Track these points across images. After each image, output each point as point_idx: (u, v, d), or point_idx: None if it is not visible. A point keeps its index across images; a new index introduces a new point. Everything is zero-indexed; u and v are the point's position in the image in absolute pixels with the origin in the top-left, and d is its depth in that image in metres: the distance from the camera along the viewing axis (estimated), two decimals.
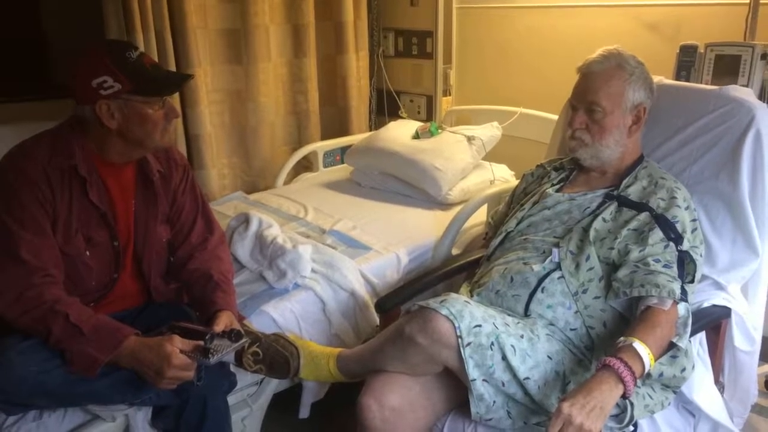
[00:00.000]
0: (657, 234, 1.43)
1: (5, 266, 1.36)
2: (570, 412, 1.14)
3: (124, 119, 1.42)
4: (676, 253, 1.42)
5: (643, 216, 1.48)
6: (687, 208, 1.49)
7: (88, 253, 1.48)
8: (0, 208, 1.38)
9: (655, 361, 1.27)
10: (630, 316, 1.41)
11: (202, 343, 1.37)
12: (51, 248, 1.40)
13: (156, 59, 2.52)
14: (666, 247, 1.42)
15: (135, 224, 1.56)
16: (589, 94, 1.55)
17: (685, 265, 1.41)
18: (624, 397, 1.21)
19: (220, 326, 1.44)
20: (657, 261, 1.39)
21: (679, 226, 1.45)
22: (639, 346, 1.24)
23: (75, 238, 1.45)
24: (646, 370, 1.25)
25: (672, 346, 1.34)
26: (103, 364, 1.33)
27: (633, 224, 1.48)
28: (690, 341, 1.43)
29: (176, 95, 2.62)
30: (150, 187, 1.57)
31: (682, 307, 1.36)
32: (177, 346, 1.34)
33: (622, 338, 1.28)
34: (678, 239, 1.43)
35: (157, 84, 1.44)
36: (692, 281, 1.43)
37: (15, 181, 1.38)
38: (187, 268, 1.62)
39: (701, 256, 1.49)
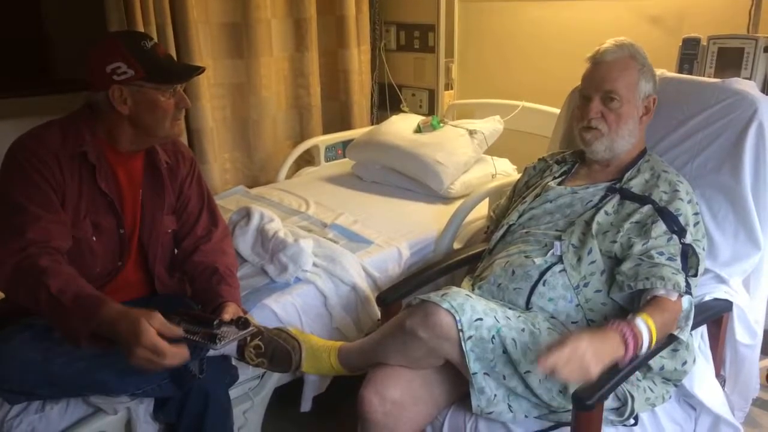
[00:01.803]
0: (660, 227, 1.43)
1: (8, 239, 1.35)
2: (585, 349, 1.16)
3: (135, 105, 1.44)
4: (680, 245, 1.41)
5: (646, 209, 1.48)
6: (689, 201, 1.49)
7: (94, 238, 1.49)
8: (10, 187, 1.40)
9: (655, 343, 1.28)
10: (631, 309, 1.41)
11: (182, 331, 1.32)
12: (59, 222, 1.41)
13: None
14: (669, 239, 1.42)
15: (142, 214, 1.58)
16: (607, 83, 1.53)
17: (689, 259, 1.41)
18: (617, 365, 1.23)
19: (228, 316, 1.45)
20: (661, 254, 1.39)
21: (682, 219, 1.44)
22: (642, 321, 1.26)
23: (83, 223, 1.47)
24: (644, 348, 1.26)
25: (673, 339, 1.34)
26: (86, 334, 1.27)
27: (635, 217, 1.47)
28: (691, 335, 1.43)
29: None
30: (158, 178, 1.59)
31: (685, 301, 1.36)
32: (155, 326, 1.25)
33: (630, 315, 1.29)
34: (681, 232, 1.43)
35: (169, 72, 1.47)
36: (695, 275, 1.42)
37: (25, 161, 1.40)
38: (192, 260, 1.63)
39: (704, 249, 1.48)
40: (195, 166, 1.70)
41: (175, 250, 1.67)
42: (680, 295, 1.35)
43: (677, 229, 1.43)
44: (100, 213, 1.49)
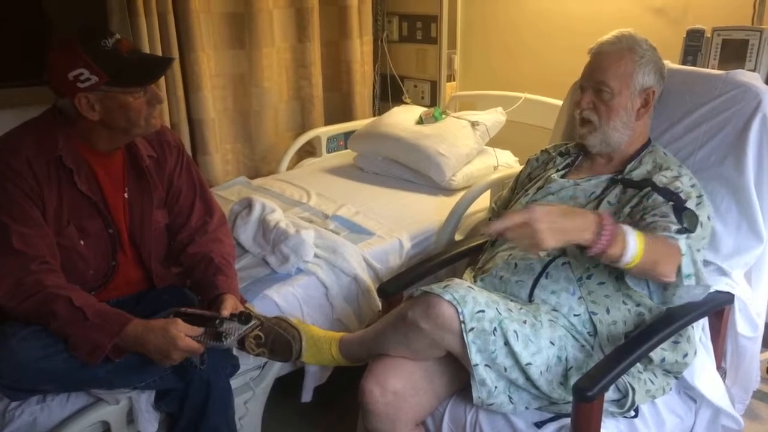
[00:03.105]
0: (657, 198, 1.41)
1: (1, 256, 1.34)
2: (539, 216, 1.14)
3: (105, 110, 1.39)
4: (673, 205, 1.38)
5: (645, 190, 1.46)
6: (693, 186, 1.47)
7: (82, 242, 1.47)
8: None
9: (640, 260, 1.22)
10: (645, 292, 1.38)
11: (203, 329, 1.38)
12: (45, 237, 1.39)
13: (159, 44, 2.52)
14: (665, 204, 1.39)
15: (129, 212, 1.55)
16: (598, 74, 1.53)
17: (684, 215, 1.35)
18: (582, 247, 1.20)
19: (227, 310, 1.44)
20: (654, 214, 1.36)
21: (683, 195, 1.41)
22: (631, 229, 1.21)
23: (67, 229, 1.44)
24: (625, 260, 1.21)
25: (679, 328, 1.31)
26: (106, 350, 1.33)
27: (635, 200, 1.46)
28: (692, 327, 1.43)
29: (179, 80, 2.62)
30: (142, 175, 1.55)
31: (682, 243, 1.29)
32: (181, 330, 1.34)
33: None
34: (680, 202, 1.39)
35: (136, 74, 1.40)
36: (693, 231, 1.35)
37: (0, 174, 1.37)
38: (187, 252, 1.61)
39: (709, 219, 1.44)
40: (183, 154, 1.65)
41: (171, 243, 1.65)
42: (675, 240, 1.29)
43: (675, 198, 1.40)
44: (84, 216, 1.47)
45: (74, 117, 1.41)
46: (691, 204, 1.40)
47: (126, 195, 1.54)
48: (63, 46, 1.36)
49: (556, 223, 1.17)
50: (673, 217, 1.35)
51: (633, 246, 1.22)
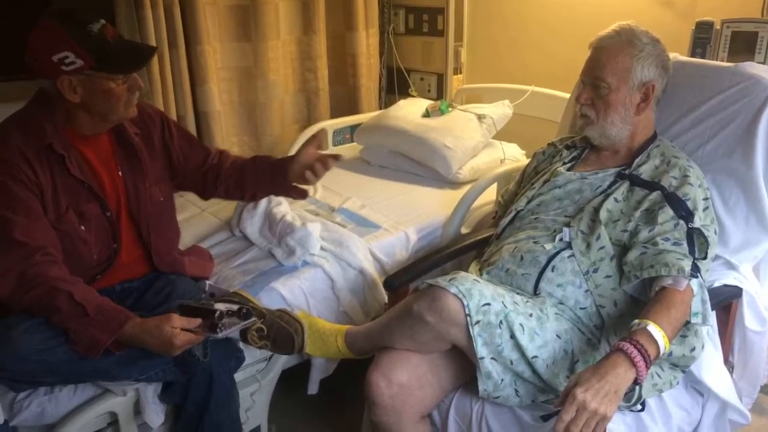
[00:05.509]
0: (667, 212, 1.41)
1: (3, 249, 1.35)
2: (584, 398, 1.11)
3: (87, 94, 1.40)
4: (686, 229, 1.39)
5: (655, 195, 1.46)
6: (700, 186, 1.47)
7: (82, 227, 1.47)
8: None
9: (669, 340, 1.23)
10: (644, 299, 1.39)
11: (200, 320, 1.38)
12: (45, 229, 1.39)
13: (165, 36, 2.52)
14: (676, 225, 1.40)
15: (126, 190, 1.56)
16: (595, 70, 1.53)
17: (696, 241, 1.38)
18: (636, 382, 1.18)
19: (304, 157, 1.60)
20: (666, 240, 1.37)
21: (690, 204, 1.42)
22: (653, 329, 1.21)
23: (66, 215, 1.45)
24: (661, 353, 1.21)
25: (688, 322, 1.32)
26: (105, 347, 1.33)
27: (645, 205, 1.46)
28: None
29: (185, 72, 2.62)
30: (132, 152, 1.56)
31: (695, 284, 1.31)
32: (176, 326, 1.34)
33: (635, 321, 1.24)
34: (688, 216, 1.41)
35: (121, 61, 1.40)
36: (705, 258, 1.39)
37: None
38: (224, 172, 1.73)
39: (715, 233, 1.46)
40: (165, 120, 1.67)
41: (206, 182, 1.75)
42: (688, 280, 1.31)
43: (684, 213, 1.41)
44: (81, 201, 1.47)
45: (56, 99, 1.41)
46: (698, 217, 1.41)
47: (120, 173, 1.55)
48: (47, 27, 1.36)
49: (602, 389, 1.13)
50: (685, 245, 1.36)
51: (661, 342, 1.20)
